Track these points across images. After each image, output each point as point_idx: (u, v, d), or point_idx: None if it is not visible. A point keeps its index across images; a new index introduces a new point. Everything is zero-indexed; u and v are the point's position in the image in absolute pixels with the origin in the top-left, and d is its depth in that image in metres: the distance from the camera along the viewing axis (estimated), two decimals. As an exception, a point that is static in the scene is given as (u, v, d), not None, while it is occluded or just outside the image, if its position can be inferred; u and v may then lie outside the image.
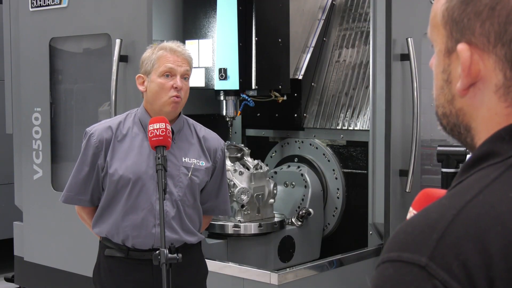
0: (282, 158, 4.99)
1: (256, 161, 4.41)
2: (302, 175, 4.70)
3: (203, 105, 4.73)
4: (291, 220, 4.55)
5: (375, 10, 4.07)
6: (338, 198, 4.69)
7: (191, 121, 3.01)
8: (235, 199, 4.20)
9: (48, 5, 4.74)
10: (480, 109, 0.98)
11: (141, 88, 2.91)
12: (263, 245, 4.36)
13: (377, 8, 4.05)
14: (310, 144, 4.84)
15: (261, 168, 4.37)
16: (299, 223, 4.52)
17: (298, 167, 4.79)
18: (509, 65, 0.95)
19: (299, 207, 4.64)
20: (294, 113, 4.90)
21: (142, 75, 2.90)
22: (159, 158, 2.65)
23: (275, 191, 4.42)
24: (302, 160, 4.84)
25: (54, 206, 4.67)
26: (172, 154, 2.84)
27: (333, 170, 4.71)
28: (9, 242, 5.49)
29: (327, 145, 4.80)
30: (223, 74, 4.33)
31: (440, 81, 1.02)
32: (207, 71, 4.44)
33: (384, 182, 4.07)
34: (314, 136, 4.85)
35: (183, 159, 2.88)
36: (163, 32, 4.54)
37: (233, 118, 4.56)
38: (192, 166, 2.88)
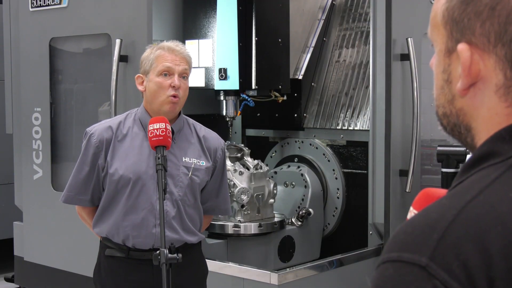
0: (282, 158, 4.99)
1: (256, 161, 4.41)
2: (302, 175, 4.70)
3: (203, 105, 4.73)
4: (291, 220, 4.55)
5: (375, 10, 4.07)
6: (338, 198, 4.69)
7: (191, 121, 3.01)
8: (235, 199, 4.20)
9: (48, 5, 4.74)
10: (480, 109, 0.98)
11: (140, 88, 2.91)
12: (263, 245, 4.36)
13: (377, 8, 4.05)
14: (310, 144, 4.84)
15: (261, 168, 4.37)
16: (299, 223, 4.52)
17: (298, 167, 4.79)
18: (510, 65, 0.95)
19: (299, 207, 4.64)
20: (294, 113, 4.90)
21: (141, 75, 2.90)
22: (159, 158, 2.65)
23: (275, 191, 4.42)
24: (302, 160, 4.84)
25: (54, 206, 4.67)
26: (172, 154, 2.84)
27: (333, 170, 4.71)
28: (9, 242, 5.49)
29: (327, 145, 4.80)
30: (223, 74, 4.33)
31: (441, 81, 1.02)
32: (207, 71, 4.44)
33: (384, 182, 4.07)
34: (314, 136, 4.85)
35: (184, 159, 2.88)
36: (163, 32, 4.54)
37: (233, 118, 4.56)
38: (193, 166, 2.88)
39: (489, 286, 0.84)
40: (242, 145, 4.59)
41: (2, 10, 5.45)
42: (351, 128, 4.64)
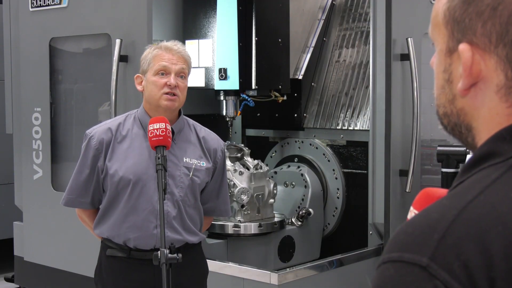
0: (282, 158, 4.99)
1: (256, 161, 4.41)
2: (302, 175, 4.70)
3: (203, 105, 4.73)
4: (291, 220, 4.55)
5: (375, 10, 4.07)
6: (338, 198, 4.69)
7: (191, 121, 3.01)
8: (235, 199, 4.20)
9: (48, 5, 4.74)
10: (481, 109, 0.98)
11: (139, 87, 2.91)
12: (263, 245, 4.36)
13: (377, 8, 4.05)
14: (310, 144, 4.84)
15: (261, 168, 4.37)
16: (299, 223, 4.52)
17: (298, 167, 4.79)
18: (511, 66, 0.95)
19: (299, 207, 4.64)
20: (294, 113, 4.90)
21: (140, 74, 2.91)
22: (159, 158, 2.64)
23: (275, 191, 4.42)
24: (302, 160, 4.84)
25: (54, 206, 4.66)
26: (173, 154, 2.84)
27: (333, 170, 4.71)
28: (9, 242, 5.49)
29: (327, 145, 4.80)
30: (223, 74, 4.33)
31: (441, 81, 1.02)
32: (207, 71, 4.44)
33: (384, 182, 4.07)
34: (314, 136, 4.85)
35: (184, 159, 2.88)
36: (163, 32, 4.54)
37: (233, 118, 4.56)
38: (193, 166, 2.88)
39: (490, 286, 0.84)
40: (242, 145, 4.59)
41: (2, 10, 5.45)
42: (351, 128, 4.64)
